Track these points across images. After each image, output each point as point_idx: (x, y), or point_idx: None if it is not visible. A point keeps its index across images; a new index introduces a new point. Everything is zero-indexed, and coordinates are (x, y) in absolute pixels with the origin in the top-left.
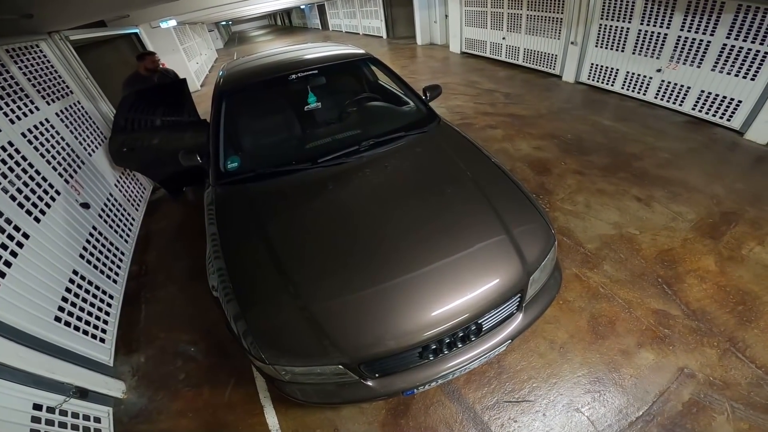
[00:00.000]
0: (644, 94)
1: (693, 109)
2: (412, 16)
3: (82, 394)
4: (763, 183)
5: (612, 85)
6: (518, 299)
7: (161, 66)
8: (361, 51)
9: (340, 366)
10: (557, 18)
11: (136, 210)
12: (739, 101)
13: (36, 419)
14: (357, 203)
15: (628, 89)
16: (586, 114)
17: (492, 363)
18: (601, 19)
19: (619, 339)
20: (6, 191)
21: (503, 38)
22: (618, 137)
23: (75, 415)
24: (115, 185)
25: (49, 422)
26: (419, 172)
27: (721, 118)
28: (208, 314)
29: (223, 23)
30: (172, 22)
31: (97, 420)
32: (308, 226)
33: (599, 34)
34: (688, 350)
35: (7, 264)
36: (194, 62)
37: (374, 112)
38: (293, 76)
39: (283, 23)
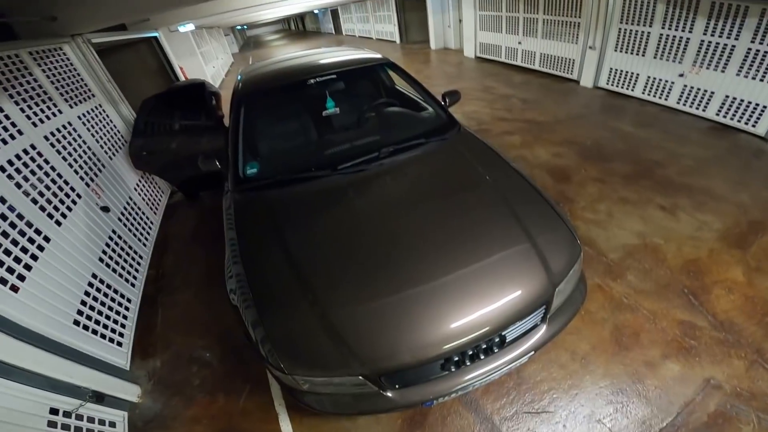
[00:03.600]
0: (666, 100)
1: (717, 114)
2: (426, 21)
3: (99, 398)
4: None
5: (632, 90)
6: (543, 311)
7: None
8: (379, 55)
9: (360, 377)
10: (575, 22)
11: (155, 213)
12: (765, 106)
13: (52, 423)
14: (377, 211)
15: (648, 94)
16: (606, 120)
17: (511, 373)
18: (621, 23)
19: (643, 350)
20: (27, 194)
21: (519, 43)
22: (639, 144)
23: (90, 420)
24: (135, 189)
25: (65, 427)
26: (440, 181)
27: (746, 124)
28: (223, 319)
29: (239, 27)
30: (190, 26)
31: (113, 425)
32: (328, 233)
33: (618, 38)
34: (715, 361)
35: (28, 267)
36: (211, 66)
37: (393, 118)
38: (312, 81)
39: (297, 28)
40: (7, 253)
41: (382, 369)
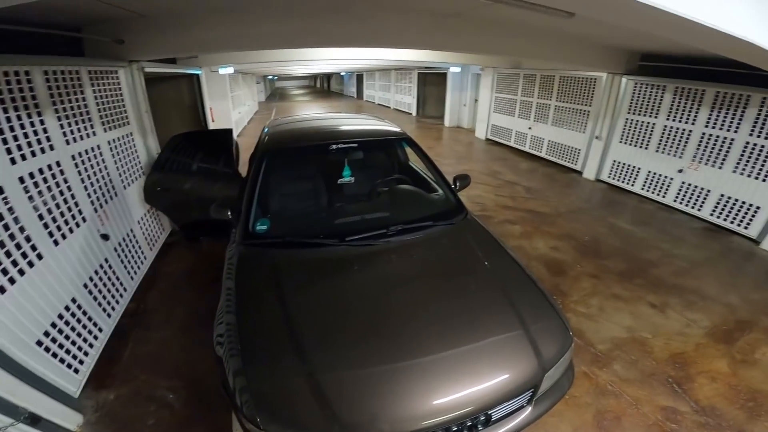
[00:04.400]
0: (663, 197)
1: (711, 214)
2: (443, 97)
3: (34, 420)
4: None
5: (632, 186)
6: (530, 394)
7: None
8: (398, 129)
9: None
10: (585, 110)
11: (150, 249)
12: (758, 207)
13: None
14: (378, 285)
15: (648, 190)
16: (605, 215)
17: None
18: (629, 112)
19: None
20: (36, 209)
21: (529, 128)
22: (635, 242)
23: None
24: (138, 221)
25: None
26: (442, 263)
27: (738, 225)
28: (197, 364)
29: (270, 78)
30: (230, 70)
31: None
32: (327, 299)
33: (625, 128)
34: None
35: (12, 281)
36: (237, 112)
37: (404, 196)
38: (334, 147)
39: (322, 87)
40: None
41: None
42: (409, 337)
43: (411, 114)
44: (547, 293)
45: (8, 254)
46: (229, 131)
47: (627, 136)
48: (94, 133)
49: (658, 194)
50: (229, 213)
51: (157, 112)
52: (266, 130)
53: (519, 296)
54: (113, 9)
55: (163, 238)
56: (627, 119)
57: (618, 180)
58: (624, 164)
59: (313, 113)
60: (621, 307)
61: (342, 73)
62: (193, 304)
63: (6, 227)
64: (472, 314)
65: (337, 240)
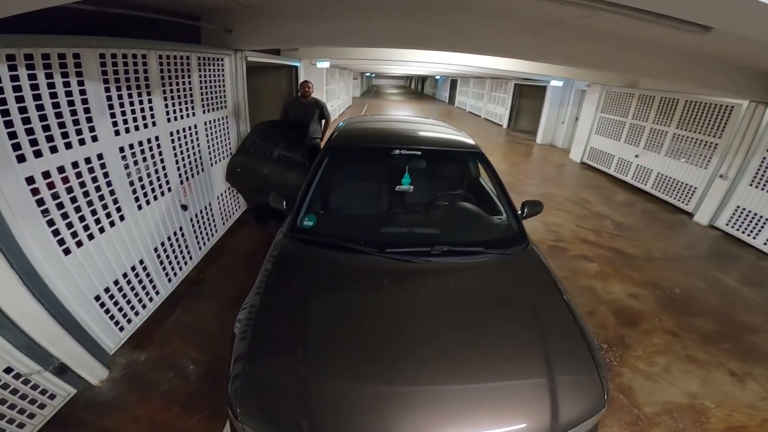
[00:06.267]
0: None
1: None
2: (539, 111)
3: (61, 370)
4: None
5: (754, 238)
6: None
7: (309, 91)
8: (471, 142)
9: None
10: (711, 143)
11: (223, 224)
12: None
13: None
14: (405, 305)
15: None
16: (709, 267)
17: None
18: None
19: None
20: (129, 176)
21: (636, 156)
22: (739, 303)
23: (34, 387)
24: (218, 197)
25: (5, 386)
26: (481, 296)
27: None
28: (225, 344)
29: (368, 75)
30: (326, 64)
31: (51, 397)
32: (349, 307)
33: (759, 169)
34: None
35: (90, 237)
36: (329, 105)
37: (461, 215)
38: (397, 152)
39: (416, 88)
40: (82, 219)
41: None
42: (417, 364)
43: (501, 126)
44: (593, 346)
45: (94, 212)
46: (306, 125)
47: (761, 179)
48: (193, 114)
49: None
50: (285, 203)
51: (258, 100)
52: (341, 124)
53: (558, 343)
54: None
55: (237, 215)
56: (765, 158)
57: (738, 229)
58: (750, 212)
59: (398, 114)
60: (692, 371)
61: (437, 77)
62: (243, 285)
63: (98, 189)
64: (497, 353)
65: (375, 250)
